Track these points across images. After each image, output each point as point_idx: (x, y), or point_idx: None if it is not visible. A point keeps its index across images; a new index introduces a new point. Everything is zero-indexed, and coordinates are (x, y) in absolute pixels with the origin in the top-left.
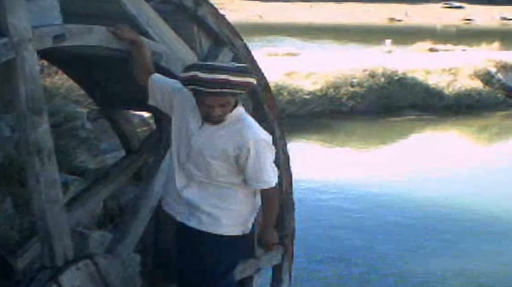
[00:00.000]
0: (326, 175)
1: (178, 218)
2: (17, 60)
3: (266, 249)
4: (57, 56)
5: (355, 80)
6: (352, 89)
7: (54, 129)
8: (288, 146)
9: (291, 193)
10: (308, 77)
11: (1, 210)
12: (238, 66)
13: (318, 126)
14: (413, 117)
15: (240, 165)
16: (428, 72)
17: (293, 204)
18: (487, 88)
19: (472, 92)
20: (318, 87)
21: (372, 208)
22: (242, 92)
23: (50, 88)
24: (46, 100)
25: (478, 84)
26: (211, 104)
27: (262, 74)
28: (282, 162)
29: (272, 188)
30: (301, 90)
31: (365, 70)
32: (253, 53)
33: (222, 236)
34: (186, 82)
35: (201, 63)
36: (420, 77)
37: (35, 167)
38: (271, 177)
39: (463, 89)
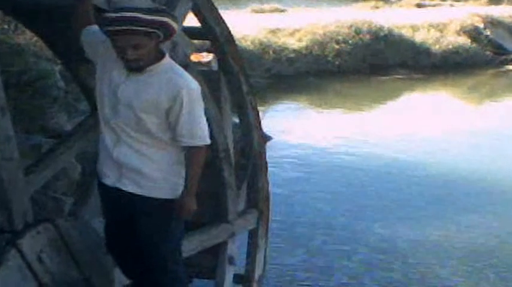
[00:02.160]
0: (313, 136)
1: (111, 183)
2: None
3: (180, 215)
4: (14, 8)
5: (340, 37)
6: (337, 47)
7: (26, 88)
8: (275, 106)
9: (264, 153)
10: (293, 35)
11: None
12: (153, 7)
13: (305, 86)
14: (401, 76)
15: (171, 120)
16: (415, 29)
17: (266, 165)
18: (475, 45)
19: (459, 49)
20: (303, 44)
21: (359, 169)
22: (156, 31)
23: (21, 46)
24: (17, 58)
25: (465, 40)
26: (121, 45)
27: (225, 25)
28: (252, 120)
29: (204, 145)
30: (287, 48)
31: (350, 26)
32: (237, 9)
33: (154, 199)
34: (99, 26)
35: (113, 2)
36: (407, 33)
37: None
38: (204, 132)
39: (450, 46)
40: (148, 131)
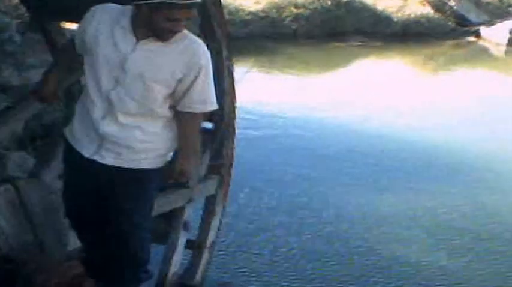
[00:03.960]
0: (265, 102)
1: (88, 155)
2: None
3: (179, 179)
4: None
5: (300, 1)
6: (296, 11)
7: None
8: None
9: (234, 119)
10: None
11: None
12: None
13: (258, 49)
14: (358, 43)
15: (183, 88)
16: None
17: (234, 131)
18: (438, 15)
19: (421, 19)
20: (260, 7)
21: (311, 137)
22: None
23: None
24: None
25: (428, 11)
26: (180, 17)
27: None
28: (228, 85)
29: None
30: (242, 10)
31: None
32: None
33: (142, 170)
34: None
35: None
36: (368, 1)
37: None
38: (214, 97)
39: (412, 15)
40: (154, 102)
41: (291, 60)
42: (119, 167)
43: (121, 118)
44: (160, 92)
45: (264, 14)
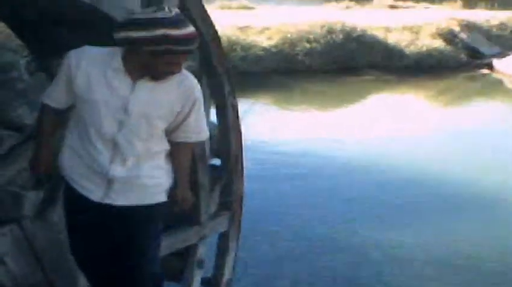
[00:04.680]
0: (280, 136)
1: (98, 199)
2: None
3: (182, 207)
4: None
5: (312, 36)
6: (308, 46)
7: None
8: (240, 105)
9: (241, 156)
10: (263, 32)
11: None
12: (179, 14)
13: (273, 85)
14: (372, 77)
15: (179, 120)
16: (388, 30)
17: (242, 167)
18: (450, 48)
19: (433, 52)
20: (272, 43)
21: (326, 172)
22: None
23: None
24: None
25: (440, 43)
26: (179, 61)
27: (211, 23)
28: (232, 121)
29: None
30: (255, 46)
31: (323, 26)
32: (205, 5)
33: (152, 205)
34: (157, 42)
35: (161, 17)
36: (380, 35)
37: None
38: (206, 126)
39: (424, 48)
40: (156, 137)
41: (306, 95)
42: (130, 206)
43: (129, 159)
44: (161, 127)
45: (276, 50)
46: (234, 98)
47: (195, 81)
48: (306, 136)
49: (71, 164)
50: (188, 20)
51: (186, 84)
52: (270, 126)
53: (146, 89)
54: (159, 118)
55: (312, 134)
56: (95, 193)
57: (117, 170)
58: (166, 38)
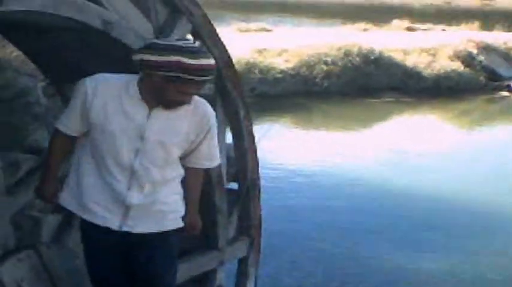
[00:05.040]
0: (300, 159)
1: (116, 227)
2: None
3: (191, 233)
4: None
5: (329, 59)
6: (326, 68)
7: (6, 105)
8: (259, 127)
9: (258, 180)
10: (280, 55)
11: None
12: (201, 46)
13: (291, 107)
14: (390, 99)
15: (191, 147)
16: (406, 53)
17: (259, 192)
18: (468, 70)
19: (452, 74)
20: (290, 65)
21: (346, 194)
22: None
23: (0, 60)
24: None
25: (458, 65)
26: (190, 91)
27: (225, 48)
28: (248, 145)
29: None
30: (273, 68)
31: (340, 48)
32: (223, 28)
33: (169, 231)
34: (169, 68)
35: (179, 45)
36: (398, 57)
37: None
38: (218, 152)
39: (442, 70)
40: (172, 163)
41: (324, 117)
42: (147, 233)
43: (146, 186)
44: (177, 154)
45: (294, 72)
46: (250, 121)
47: (210, 109)
48: (325, 158)
49: (85, 194)
50: (209, 53)
51: (201, 112)
52: (288, 148)
53: (162, 116)
54: (174, 145)
55: (331, 156)
56: (112, 221)
57: (134, 197)
58: (179, 65)
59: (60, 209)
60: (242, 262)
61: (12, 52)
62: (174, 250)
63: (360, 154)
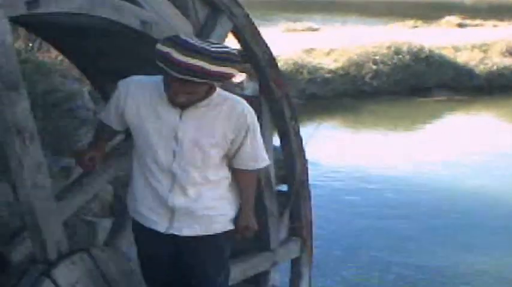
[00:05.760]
0: (350, 160)
1: (163, 231)
2: None
3: (245, 235)
4: (38, 25)
5: (378, 58)
6: (375, 67)
7: (53, 109)
8: (309, 128)
9: (306, 181)
10: (328, 55)
11: (1, 195)
12: (221, 51)
13: (341, 107)
14: (442, 98)
15: (235, 147)
16: (457, 50)
17: (309, 193)
18: None
19: (504, 71)
20: (339, 65)
21: (397, 195)
22: (217, 82)
23: (47, 65)
24: (43, 77)
25: (510, 62)
26: (175, 90)
27: (267, 48)
28: (295, 146)
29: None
30: (322, 68)
31: (389, 47)
32: (270, 28)
33: (217, 235)
34: (158, 58)
35: (181, 38)
36: (448, 54)
37: (16, 150)
38: (265, 154)
39: (495, 67)
40: (213, 165)
41: (376, 117)
42: (195, 236)
43: (188, 189)
44: (217, 155)
45: (343, 72)
46: (296, 122)
47: (248, 108)
48: (375, 159)
49: (136, 197)
50: (231, 60)
51: (238, 111)
52: (337, 148)
53: (194, 117)
54: (212, 146)
55: (381, 157)
56: (160, 224)
57: (177, 200)
58: (166, 57)
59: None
60: (295, 263)
61: (58, 56)
62: (225, 252)
63: (411, 154)
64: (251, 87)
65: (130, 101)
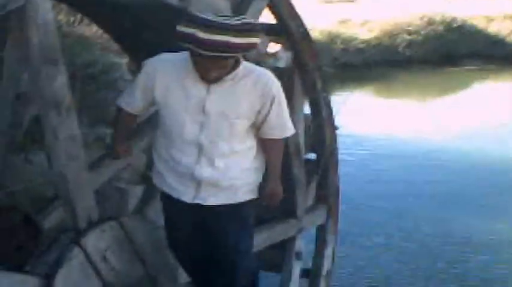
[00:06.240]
0: (380, 128)
1: (189, 200)
2: (27, 7)
3: (272, 202)
4: (78, 2)
5: (412, 28)
6: (409, 37)
7: (92, 81)
8: (342, 97)
9: (335, 149)
10: (363, 25)
11: (35, 164)
12: (242, 24)
13: (374, 76)
14: (473, 67)
15: (261, 117)
16: (489, 20)
17: (337, 161)
18: None
19: None
20: (373, 35)
21: (428, 164)
22: (244, 53)
23: (88, 38)
24: (83, 50)
25: None
26: (207, 66)
27: (301, 21)
28: (325, 116)
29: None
30: (356, 38)
31: (422, 17)
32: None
33: (242, 203)
34: (183, 40)
35: (201, 17)
36: (480, 24)
37: (52, 122)
38: (291, 123)
39: None
40: (240, 136)
41: (409, 86)
42: (221, 205)
43: (216, 160)
44: (244, 126)
45: (377, 42)
46: (327, 92)
47: (272, 78)
48: (407, 127)
49: (162, 170)
50: (253, 30)
51: (263, 82)
52: (368, 116)
53: (222, 90)
54: (238, 117)
55: (413, 126)
56: (186, 194)
57: (204, 171)
58: (192, 38)
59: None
60: (321, 230)
61: (98, 30)
62: (249, 221)
63: (443, 123)
64: (285, 58)
65: (159, 80)
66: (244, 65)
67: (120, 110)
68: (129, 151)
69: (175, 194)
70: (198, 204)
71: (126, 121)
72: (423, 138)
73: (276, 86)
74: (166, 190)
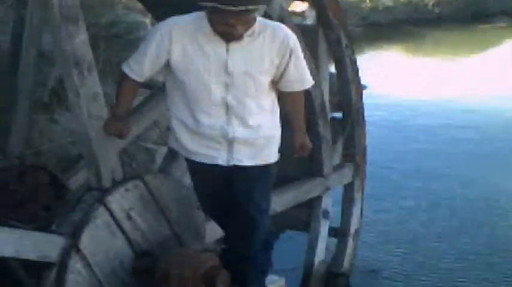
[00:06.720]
0: (412, 88)
1: (224, 163)
2: None
3: (301, 153)
4: None
5: None
6: None
7: (115, 40)
8: (371, 55)
9: (362, 107)
10: None
11: (61, 124)
12: None
13: (402, 35)
14: (503, 24)
15: (279, 72)
16: None
17: (363, 119)
18: None
19: None
20: None
21: (456, 124)
22: (267, 4)
23: None
24: (107, 10)
25: None
26: (233, 23)
27: None
28: (351, 74)
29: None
30: None
31: None
32: None
33: (271, 165)
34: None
35: None
36: None
37: (73, 81)
38: (309, 75)
39: None
40: (265, 92)
41: (438, 44)
42: (254, 167)
43: (247, 119)
44: (266, 81)
45: (406, 0)
46: (352, 51)
47: (289, 31)
48: (435, 87)
49: (187, 140)
50: None
51: (280, 36)
52: (396, 76)
53: (241, 47)
54: (262, 73)
55: (441, 85)
56: (219, 157)
57: (237, 131)
58: None
59: None
60: (347, 188)
61: None
62: (272, 180)
63: (471, 79)
64: (312, 16)
65: (176, 43)
66: (259, 20)
67: (123, 75)
68: (126, 130)
69: (208, 160)
70: (231, 166)
71: (128, 90)
72: (455, 98)
73: (293, 38)
74: (195, 158)
